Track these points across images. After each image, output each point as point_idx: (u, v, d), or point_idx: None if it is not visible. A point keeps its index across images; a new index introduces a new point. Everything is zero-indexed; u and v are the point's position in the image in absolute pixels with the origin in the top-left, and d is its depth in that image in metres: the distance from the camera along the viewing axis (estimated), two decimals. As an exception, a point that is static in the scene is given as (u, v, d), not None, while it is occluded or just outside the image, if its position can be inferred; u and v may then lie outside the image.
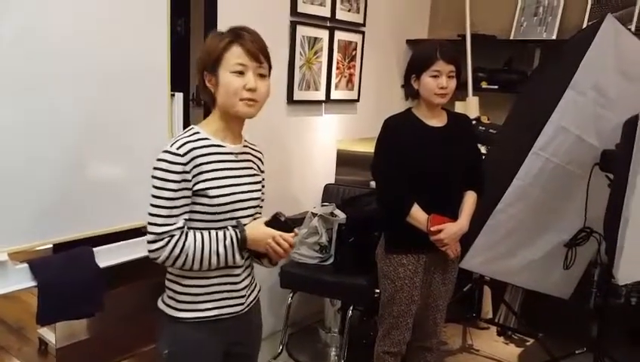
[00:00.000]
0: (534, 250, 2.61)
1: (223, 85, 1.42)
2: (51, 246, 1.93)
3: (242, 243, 1.45)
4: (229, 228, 1.45)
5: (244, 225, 1.47)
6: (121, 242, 2.06)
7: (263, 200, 1.59)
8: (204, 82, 1.46)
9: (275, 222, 1.48)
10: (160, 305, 1.53)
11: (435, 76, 2.07)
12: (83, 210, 1.93)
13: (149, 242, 1.40)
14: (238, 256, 1.45)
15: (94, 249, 1.96)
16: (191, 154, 1.40)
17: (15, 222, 1.77)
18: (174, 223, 1.39)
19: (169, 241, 1.39)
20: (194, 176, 1.40)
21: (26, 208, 1.78)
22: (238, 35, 1.41)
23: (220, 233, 1.43)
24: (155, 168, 1.39)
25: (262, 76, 1.45)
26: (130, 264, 2.10)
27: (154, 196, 1.39)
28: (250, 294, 1.59)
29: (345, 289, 2.78)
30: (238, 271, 1.50)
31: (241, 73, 1.41)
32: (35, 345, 2.71)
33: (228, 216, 1.45)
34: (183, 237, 1.40)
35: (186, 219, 1.42)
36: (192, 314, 1.47)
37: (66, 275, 1.86)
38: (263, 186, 1.59)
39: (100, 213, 1.98)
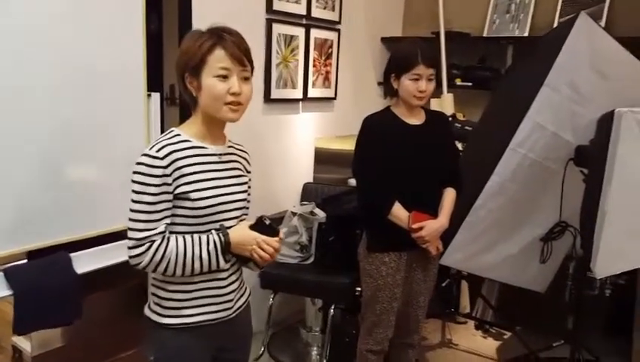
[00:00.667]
0: (512, 245, 2.64)
1: (207, 89, 1.39)
2: (26, 253, 1.87)
3: (226, 247, 1.42)
4: (213, 232, 1.42)
5: (228, 228, 1.44)
6: (99, 247, 2.02)
7: (249, 201, 1.57)
8: (185, 84, 1.43)
9: (260, 225, 1.46)
10: (146, 311, 1.50)
11: (415, 79, 2.08)
12: (59, 215, 1.89)
13: (130, 248, 1.37)
14: (222, 261, 1.42)
15: (71, 254, 1.92)
16: (171, 157, 1.37)
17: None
18: (155, 228, 1.36)
19: (150, 247, 1.36)
20: (175, 180, 1.37)
21: (-1, 215, 1.73)
22: (220, 37, 1.38)
23: (204, 237, 1.41)
24: (135, 172, 1.36)
25: (245, 79, 1.42)
26: (107, 268, 2.06)
27: (134, 201, 1.36)
28: (240, 298, 1.57)
29: (326, 288, 2.78)
30: (224, 274, 1.48)
31: (224, 77, 1.38)
32: (8, 353, 2.63)
33: (212, 218, 1.42)
34: (165, 242, 1.37)
35: (167, 224, 1.39)
36: (177, 319, 1.44)
37: (43, 283, 1.81)
38: (249, 187, 1.57)
39: (77, 217, 1.94)
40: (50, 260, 1.87)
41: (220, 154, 1.48)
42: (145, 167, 1.35)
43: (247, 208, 1.57)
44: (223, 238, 1.41)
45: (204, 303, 1.46)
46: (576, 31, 2.33)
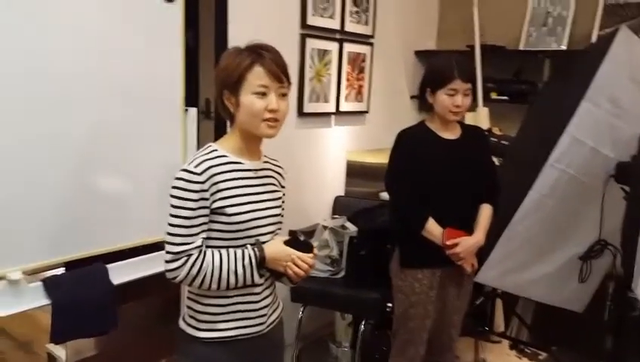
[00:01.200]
0: (549, 263, 2.58)
1: (245, 107, 1.40)
2: (64, 263, 1.91)
3: (261, 262, 1.43)
4: (248, 246, 1.43)
5: (263, 243, 1.45)
6: (135, 258, 2.05)
7: (283, 216, 1.57)
8: (223, 100, 1.44)
9: (294, 241, 1.46)
10: (180, 324, 1.51)
11: (451, 94, 2.06)
12: (96, 227, 1.92)
13: (167, 261, 1.39)
14: (256, 276, 1.43)
15: (108, 266, 1.95)
16: (208, 173, 1.38)
17: (28, 241, 1.75)
18: (192, 242, 1.38)
19: (187, 261, 1.37)
20: (212, 195, 1.39)
21: (38, 226, 1.77)
22: (259, 54, 1.40)
23: (239, 252, 1.41)
24: (173, 187, 1.38)
25: (283, 95, 1.43)
26: (140, 279, 2.08)
27: (172, 215, 1.38)
28: (273, 313, 1.57)
29: (356, 302, 2.75)
30: (258, 289, 1.48)
31: (263, 94, 1.39)
32: (44, 360, 2.68)
33: (247, 233, 1.43)
34: (201, 256, 1.38)
35: (204, 238, 1.40)
36: (211, 333, 1.45)
37: (80, 293, 1.85)
38: (283, 202, 1.57)
39: (114, 229, 1.97)
40: (88, 271, 1.90)
41: (256, 170, 1.49)
42: (183, 182, 1.37)
43: (281, 223, 1.57)
44: (258, 253, 1.42)
45: (238, 317, 1.46)
46: (617, 45, 2.29)
